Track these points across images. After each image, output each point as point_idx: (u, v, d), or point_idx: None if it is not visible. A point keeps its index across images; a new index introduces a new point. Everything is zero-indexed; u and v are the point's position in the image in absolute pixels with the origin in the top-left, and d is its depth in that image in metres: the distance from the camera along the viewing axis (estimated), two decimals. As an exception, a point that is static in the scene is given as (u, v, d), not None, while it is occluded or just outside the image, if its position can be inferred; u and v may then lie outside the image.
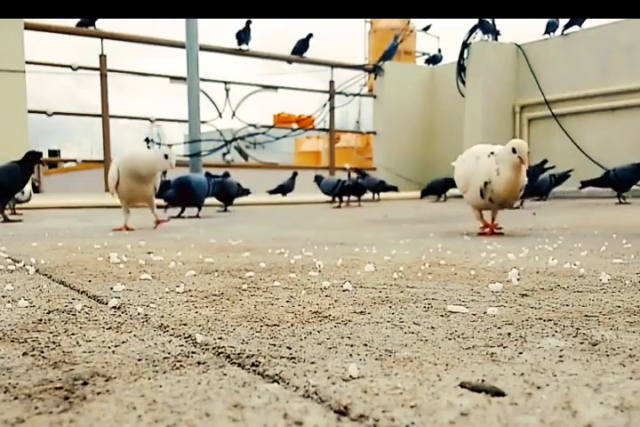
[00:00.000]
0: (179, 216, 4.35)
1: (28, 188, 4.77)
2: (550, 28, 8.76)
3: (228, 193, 5.54)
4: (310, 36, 9.77)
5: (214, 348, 0.73)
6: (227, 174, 5.66)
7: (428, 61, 11.76)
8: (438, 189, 7.36)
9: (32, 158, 3.93)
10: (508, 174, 2.39)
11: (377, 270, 1.42)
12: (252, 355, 0.69)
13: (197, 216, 4.41)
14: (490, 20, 8.95)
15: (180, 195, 4.32)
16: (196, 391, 0.57)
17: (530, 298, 1.05)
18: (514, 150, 2.35)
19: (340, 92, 10.47)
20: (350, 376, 0.60)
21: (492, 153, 2.45)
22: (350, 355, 0.69)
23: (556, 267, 1.44)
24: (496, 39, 9.04)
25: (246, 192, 5.84)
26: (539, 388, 0.56)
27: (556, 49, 8.30)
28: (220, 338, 0.78)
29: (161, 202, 4.08)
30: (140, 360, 0.68)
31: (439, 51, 11.81)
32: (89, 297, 1.11)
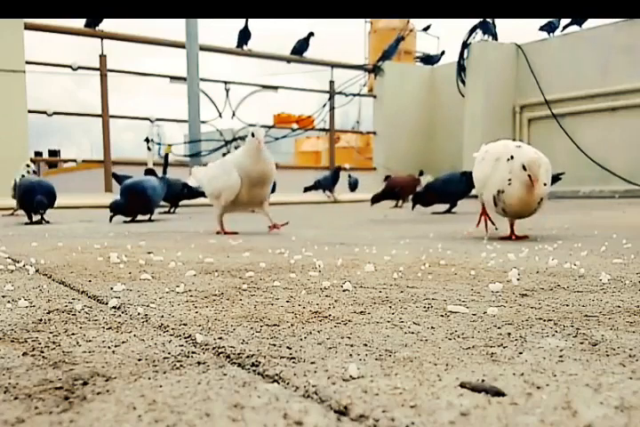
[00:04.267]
0: (132, 220, 4.01)
1: None
2: (547, 26, 8.77)
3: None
4: (311, 34, 9.75)
5: (214, 348, 0.73)
6: None
7: (421, 60, 11.74)
8: (326, 184, 7.27)
9: None
10: (518, 190, 2.14)
11: (377, 270, 1.42)
12: (252, 355, 0.69)
13: (150, 220, 4.09)
14: (490, 20, 8.95)
15: (133, 203, 3.89)
16: (196, 391, 0.57)
17: (530, 298, 1.05)
18: (524, 167, 2.10)
19: (339, 92, 10.47)
20: (350, 376, 0.60)
21: (511, 157, 2.18)
22: (350, 355, 0.69)
23: (556, 267, 1.44)
24: (496, 39, 9.04)
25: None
26: (539, 388, 0.56)
27: (556, 49, 8.30)
28: (220, 338, 0.78)
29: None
30: (140, 360, 0.68)
31: (443, 53, 11.77)
32: (89, 297, 1.11)
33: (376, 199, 5.74)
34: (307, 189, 8.13)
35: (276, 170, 2.85)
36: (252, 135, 2.73)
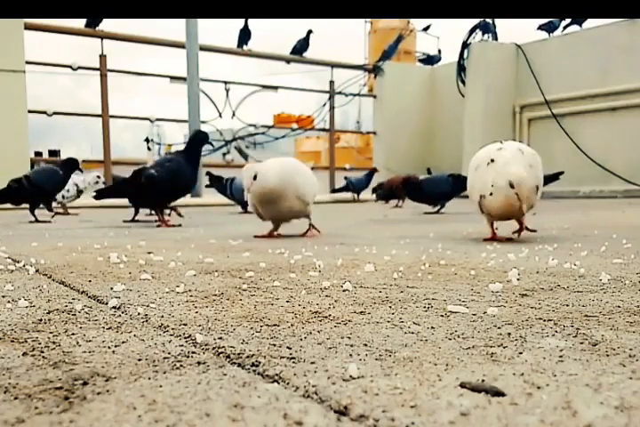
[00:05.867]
0: (132, 220, 3.97)
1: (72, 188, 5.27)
2: (546, 25, 8.79)
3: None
4: (310, 32, 9.75)
5: (214, 348, 0.73)
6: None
7: (422, 61, 11.78)
8: (360, 187, 7.25)
9: (72, 165, 4.33)
10: (500, 203, 2.10)
11: (377, 270, 1.42)
12: (252, 355, 0.69)
13: (151, 220, 4.01)
14: (490, 20, 8.96)
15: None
16: (196, 391, 0.57)
17: (530, 298, 1.04)
18: (511, 185, 2.03)
19: (339, 92, 10.47)
20: (350, 376, 0.60)
21: (491, 161, 2.10)
22: (350, 355, 0.69)
23: (556, 267, 1.44)
24: (496, 39, 9.05)
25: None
26: (539, 388, 0.56)
27: (556, 49, 8.30)
28: (220, 338, 0.78)
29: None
30: (140, 360, 0.68)
31: (439, 52, 11.82)
32: (89, 297, 1.11)
33: (379, 197, 6.07)
34: (335, 191, 8.14)
35: (295, 185, 2.44)
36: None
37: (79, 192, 5.40)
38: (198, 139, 3.55)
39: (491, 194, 2.10)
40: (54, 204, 5.02)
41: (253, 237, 2.52)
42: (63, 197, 5.22)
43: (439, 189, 4.50)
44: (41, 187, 4.12)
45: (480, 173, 2.16)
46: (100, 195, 3.97)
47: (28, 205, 4.23)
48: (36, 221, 4.01)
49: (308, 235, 2.59)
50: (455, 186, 4.45)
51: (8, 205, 5.23)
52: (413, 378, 0.60)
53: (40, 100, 11.04)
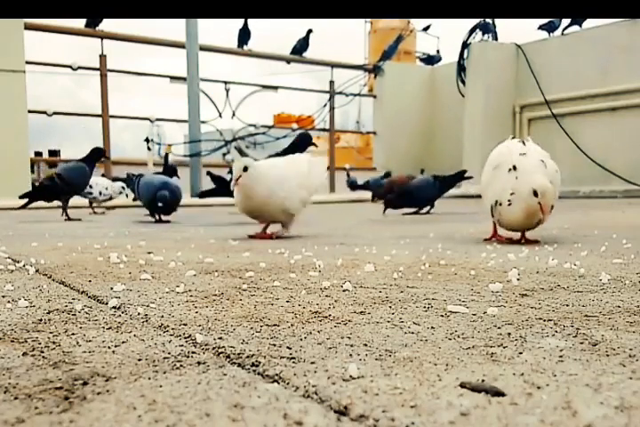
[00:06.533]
0: (158, 221, 3.93)
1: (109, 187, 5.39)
2: (546, 25, 8.79)
3: None
4: (310, 32, 9.76)
5: (214, 348, 0.73)
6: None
7: (423, 60, 11.81)
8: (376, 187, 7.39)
9: (97, 155, 4.32)
10: (519, 215, 1.99)
11: (377, 270, 1.42)
12: (252, 355, 0.69)
13: (155, 221, 3.95)
14: (490, 20, 8.97)
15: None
16: (196, 391, 0.57)
17: (530, 298, 1.04)
18: (535, 193, 1.92)
19: (340, 93, 10.47)
20: (350, 376, 0.60)
21: (513, 167, 2.01)
22: (350, 355, 0.69)
23: (556, 267, 1.44)
24: (496, 39, 9.04)
25: None
26: (539, 388, 0.56)
27: (556, 49, 8.29)
28: (220, 338, 0.78)
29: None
30: (140, 360, 0.68)
31: (437, 51, 11.86)
32: (89, 297, 1.11)
33: (380, 198, 6.16)
34: (354, 189, 8.23)
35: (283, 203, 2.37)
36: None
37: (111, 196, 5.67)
38: (302, 141, 3.72)
39: (509, 204, 2.00)
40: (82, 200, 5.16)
41: (247, 236, 2.51)
42: (100, 193, 5.33)
43: (426, 194, 4.55)
44: (73, 184, 4.24)
45: (498, 177, 2.06)
46: (203, 194, 4.71)
47: (44, 203, 4.36)
48: (68, 219, 4.10)
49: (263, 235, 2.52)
50: (442, 188, 4.59)
51: (10, 205, 5.27)
52: (413, 378, 0.60)
53: (40, 100, 11.03)
